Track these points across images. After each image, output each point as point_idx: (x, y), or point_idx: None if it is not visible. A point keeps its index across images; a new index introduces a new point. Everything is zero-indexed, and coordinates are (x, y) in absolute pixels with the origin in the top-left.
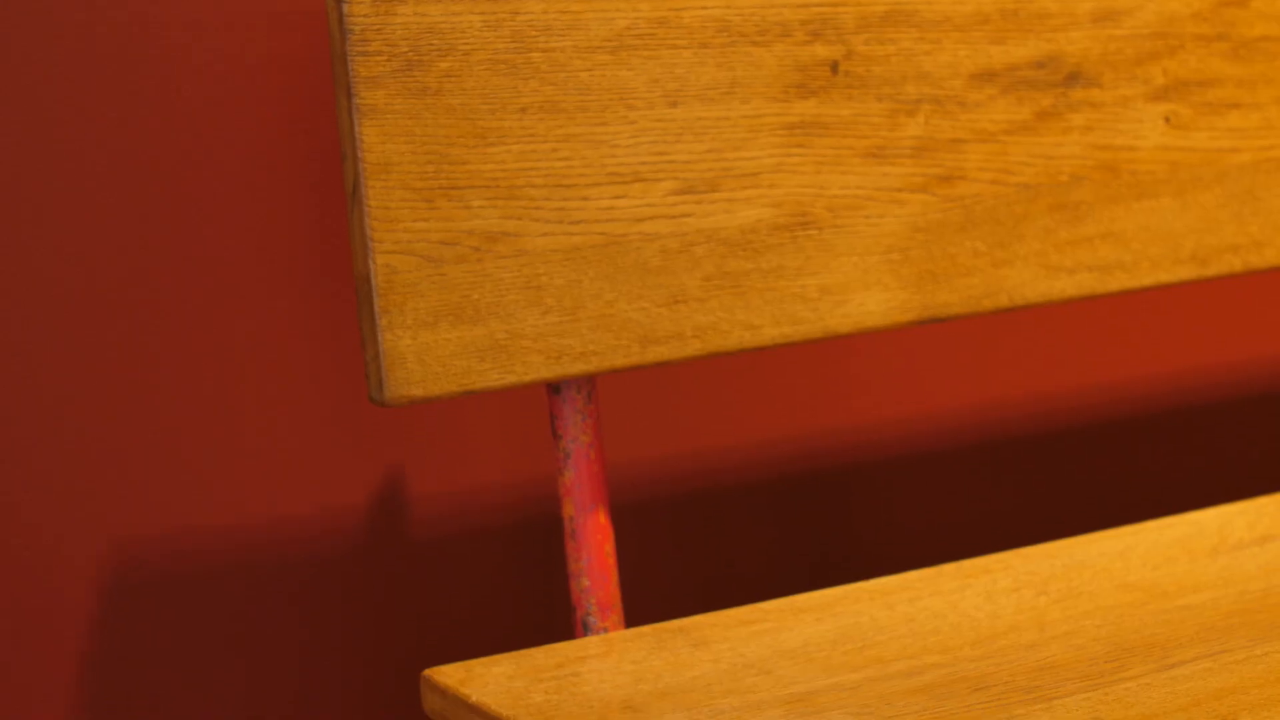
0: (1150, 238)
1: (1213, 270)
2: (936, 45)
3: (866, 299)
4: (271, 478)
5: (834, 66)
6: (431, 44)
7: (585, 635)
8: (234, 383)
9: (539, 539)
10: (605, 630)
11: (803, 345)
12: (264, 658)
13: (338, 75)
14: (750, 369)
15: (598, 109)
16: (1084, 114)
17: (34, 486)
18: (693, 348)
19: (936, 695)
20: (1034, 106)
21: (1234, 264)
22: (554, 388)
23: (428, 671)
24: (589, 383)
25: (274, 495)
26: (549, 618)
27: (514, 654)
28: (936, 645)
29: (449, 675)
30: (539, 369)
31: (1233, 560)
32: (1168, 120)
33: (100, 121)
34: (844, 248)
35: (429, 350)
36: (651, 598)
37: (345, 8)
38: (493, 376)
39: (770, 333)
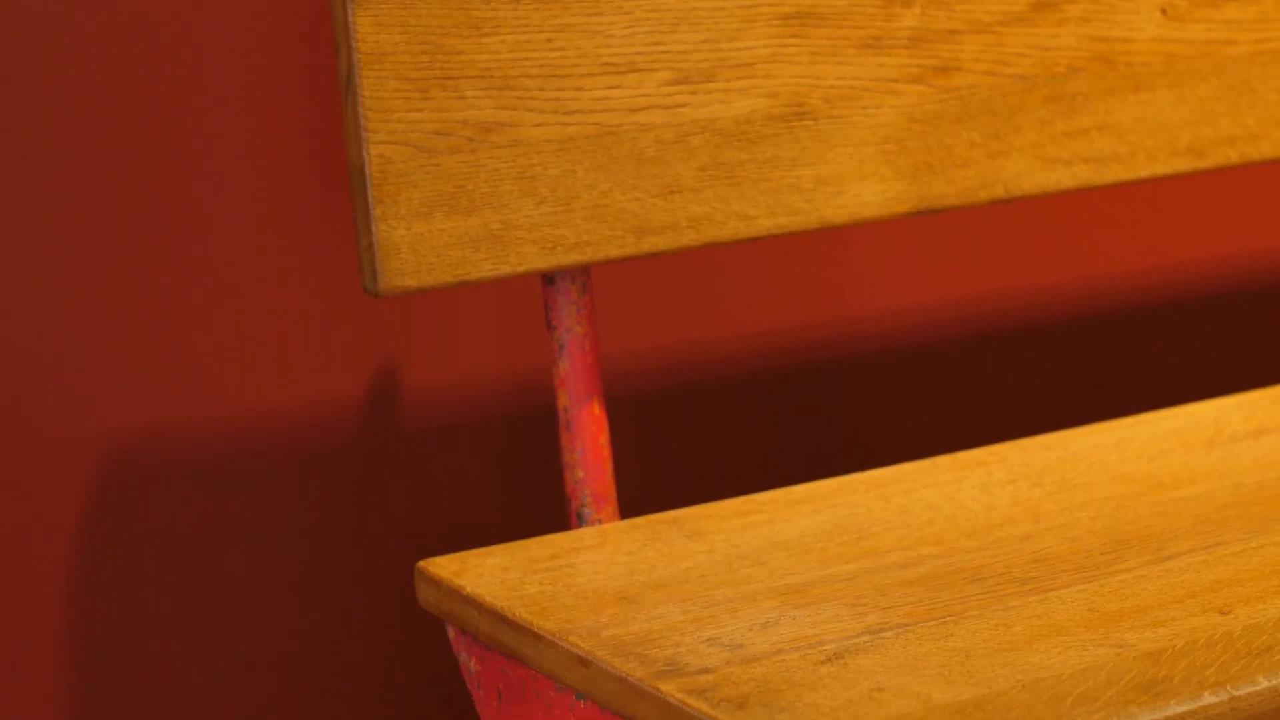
0: (1146, 130)
1: (1209, 162)
2: None
3: (862, 190)
4: (266, 370)
5: None
6: None
7: (580, 527)
8: (228, 275)
9: (534, 431)
10: (600, 522)
11: (798, 236)
12: (257, 550)
13: None
14: (745, 260)
15: None
16: (1080, 5)
17: (27, 380)
18: (687, 238)
19: (932, 587)
20: None
21: (1230, 156)
22: (548, 278)
23: (422, 563)
24: (583, 273)
25: (268, 388)
26: (544, 510)
27: (508, 545)
28: (932, 537)
29: (443, 567)
30: (533, 259)
31: (1228, 453)
32: (1164, 12)
33: (94, 7)
34: (839, 139)
35: (423, 241)
36: (646, 490)
37: None
38: (487, 267)
39: (765, 223)
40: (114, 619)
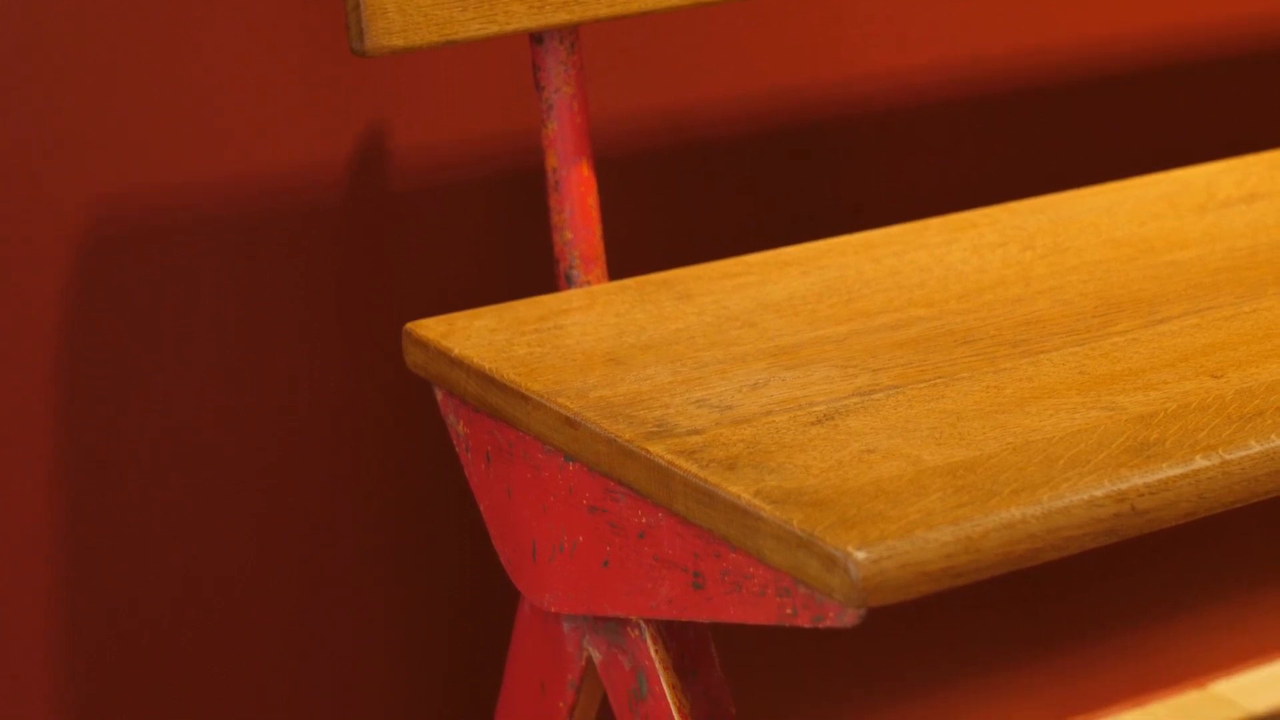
0: None
1: None
2: None
3: None
4: (252, 133)
5: None
6: None
7: (568, 288)
8: (215, 38)
9: (523, 193)
10: (588, 283)
11: None
12: (244, 314)
13: None
14: (735, 21)
15: None
16: None
17: (11, 144)
18: None
19: (922, 348)
20: None
21: None
22: (536, 38)
23: (409, 325)
24: (572, 33)
25: (255, 150)
26: (532, 272)
27: (496, 307)
28: (922, 299)
29: (431, 329)
30: (521, 18)
31: (1220, 217)
32: None
33: None
34: None
35: None
36: (635, 252)
37: None
38: (474, 26)
39: None
40: (100, 384)
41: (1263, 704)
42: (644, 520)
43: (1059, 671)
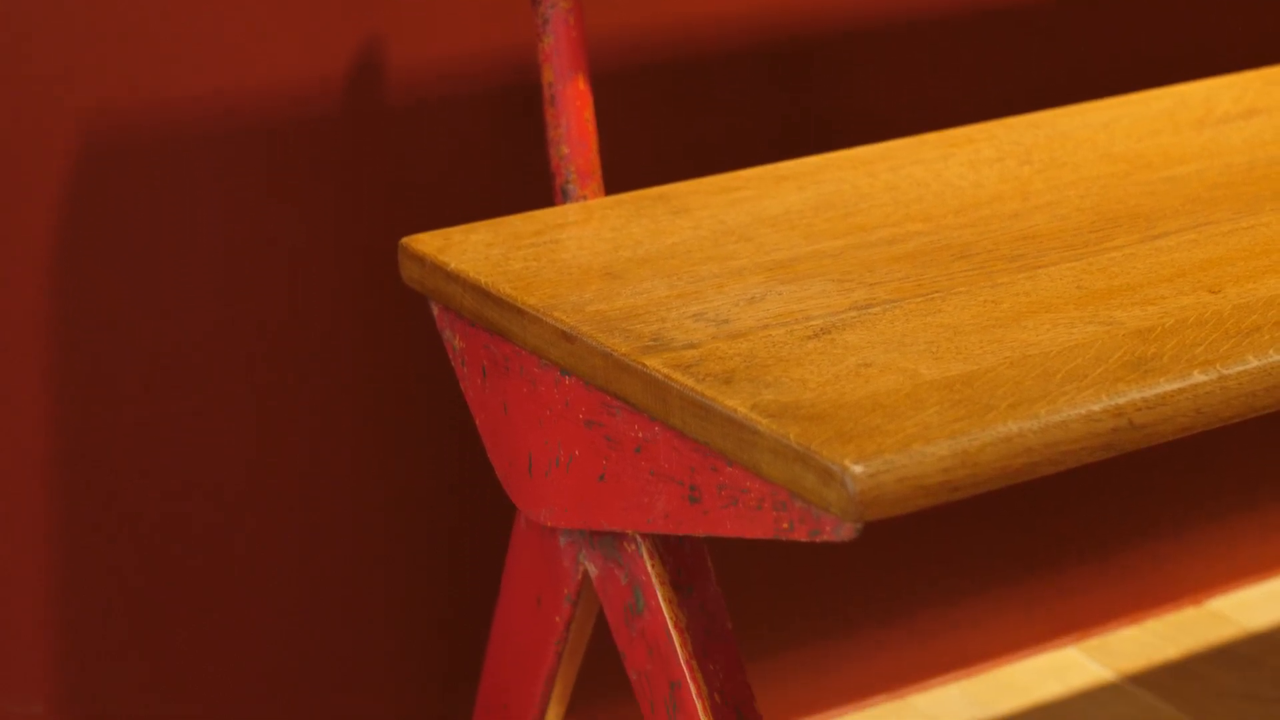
0: None
1: None
2: None
3: None
4: (248, 47)
5: None
6: None
7: (564, 203)
8: None
9: (518, 108)
10: (585, 198)
11: None
12: (240, 229)
13: None
14: None
15: None
16: None
17: (2, 57)
18: None
19: (919, 263)
20: None
21: None
22: None
23: (405, 240)
24: None
25: (251, 65)
26: (528, 187)
27: (492, 221)
28: (919, 213)
29: (427, 244)
30: None
31: (1218, 133)
32: None
33: None
34: None
35: None
36: (631, 166)
37: None
38: None
39: None
40: (96, 299)
41: (1259, 621)
42: (640, 434)
43: (1055, 588)
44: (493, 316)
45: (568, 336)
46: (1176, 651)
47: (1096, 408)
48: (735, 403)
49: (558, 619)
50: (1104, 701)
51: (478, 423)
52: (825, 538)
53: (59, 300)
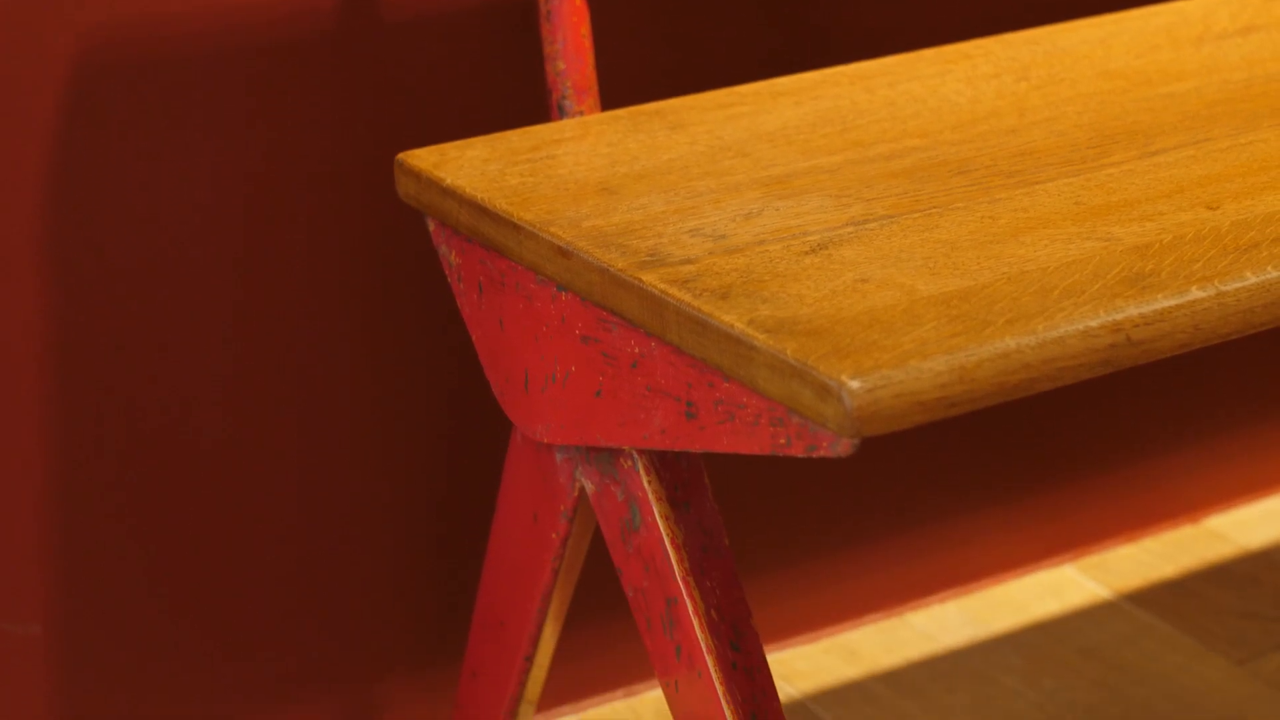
0: None
1: None
2: None
3: None
4: None
5: None
6: None
7: (561, 119)
8: None
9: (515, 23)
10: (581, 113)
11: None
12: (236, 144)
13: None
14: None
15: None
16: None
17: None
18: None
19: (916, 178)
20: None
21: None
22: None
23: (401, 155)
24: None
25: None
26: (525, 103)
27: (488, 137)
28: (916, 129)
29: (423, 159)
30: None
31: (1217, 49)
32: None
33: None
34: None
35: None
36: (628, 82)
37: None
38: None
39: None
40: (91, 215)
41: (1256, 539)
42: (637, 350)
43: (1053, 506)
44: (489, 232)
45: (564, 252)
46: (1174, 570)
47: (1094, 324)
48: (732, 318)
49: (554, 536)
50: (1101, 619)
51: (474, 339)
52: (822, 453)
53: (56, 209)
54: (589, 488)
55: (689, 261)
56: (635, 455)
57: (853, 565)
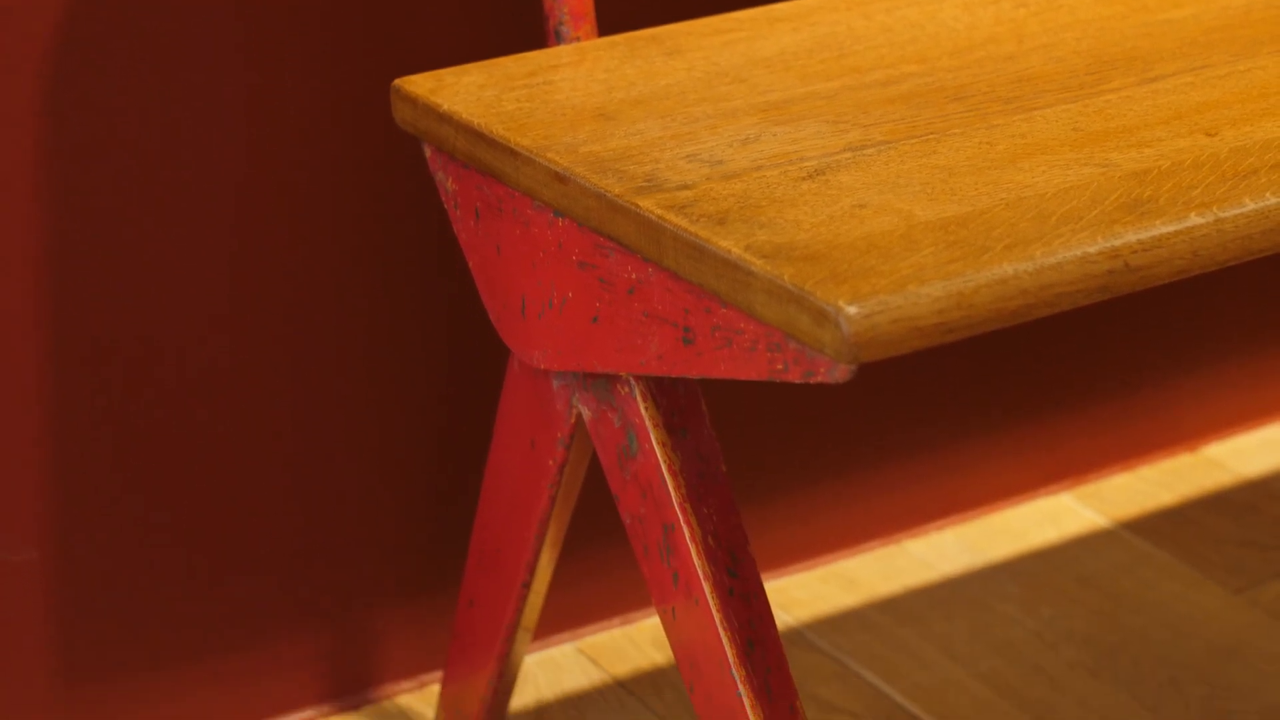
0: None
1: None
2: None
3: None
4: None
5: None
6: None
7: (557, 44)
8: None
9: None
10: (578, 39)
11: None
12: (228, 72)
13: None
14: None
15: None
16: None
17: None
18: None
19: (914, 104)
20: None
21: None
22: None
23: (398, 81)
24: None
25: None
26: (521, 29)
27: (485, 63)
28: (914, 55)
29: (419, 85)
30: None
31: None
32: None
33: None
34: None
35: None
36: (624, 7)
37: None
38: None
39: None
40: (88, 136)
41: (1254, 467)
42: (634, 276)
43: (1050, 434)
44: (486, 158)
45: (561, 178)
46: (1171, 498)
47: (1092, 250)
48: (729, 243)
49: (551, 462)
50: (1098, 547)
51: (471, 265)
52: (819, 379)
53: (52, 122)
54: (586, 414)
55: (686, 187)
56: (632, 381)
57: (850, 493)
